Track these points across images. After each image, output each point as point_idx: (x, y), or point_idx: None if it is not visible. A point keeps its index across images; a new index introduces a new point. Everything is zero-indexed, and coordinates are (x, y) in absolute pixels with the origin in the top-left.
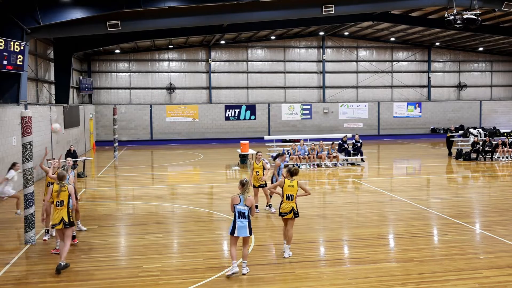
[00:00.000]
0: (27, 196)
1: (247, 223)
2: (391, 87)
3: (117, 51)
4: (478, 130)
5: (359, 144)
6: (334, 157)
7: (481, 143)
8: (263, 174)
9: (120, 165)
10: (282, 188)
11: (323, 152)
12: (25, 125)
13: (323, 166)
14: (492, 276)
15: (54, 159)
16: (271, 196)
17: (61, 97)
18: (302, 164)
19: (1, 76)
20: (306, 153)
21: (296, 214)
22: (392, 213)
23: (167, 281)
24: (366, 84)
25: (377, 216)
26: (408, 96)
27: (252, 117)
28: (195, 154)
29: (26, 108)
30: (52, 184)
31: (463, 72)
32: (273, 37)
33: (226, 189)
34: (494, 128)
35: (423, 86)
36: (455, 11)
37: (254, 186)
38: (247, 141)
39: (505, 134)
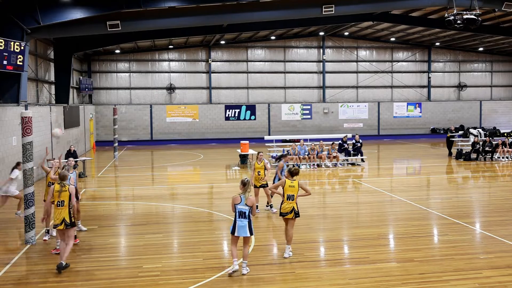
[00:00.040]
0: (27, 196)
1: (247, 222)
2: (391, 87)
3: (117, 51)
4: (478, 130)
5: (359, 144)
6: (334, 157)
7: (481, 143)
8: (264, 175)
9: (120, 165)
10: (283, 188)
11: (323, 152)
12: (25, 125)
13: (323, 166)
14: (492, 276)
15: (54, 159)
16: (272, 196)
17: (61, 97)
18: (302, 164)
19: (1, 76)
20: (306, 153)
21: (297, 214)
22: (392, 213)
23: (167, 281)
24: (366, 84)
25: (377, 216)
26: (408, 96)
27: (252, 117)
28: (195, 154)
29: (26, 108)
30: (53, 184)
31: (463, 72)
32: (273, 37)
33: (226, 189)
34: (494, 128)
35: (423, 86)
36: (455, 11)
37: (255, 186)
38: (247, 141)
39: (505, 134)
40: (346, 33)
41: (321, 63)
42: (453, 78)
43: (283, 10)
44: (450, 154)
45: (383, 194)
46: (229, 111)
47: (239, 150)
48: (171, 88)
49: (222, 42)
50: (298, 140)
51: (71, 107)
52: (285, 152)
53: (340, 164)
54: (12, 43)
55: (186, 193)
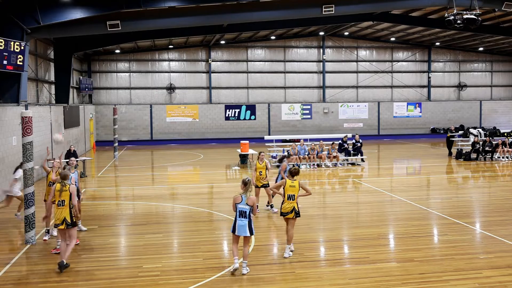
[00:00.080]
0: (27, 196)
1: (247, 222)
2: (391, 87)
3: (117, 51)
4: (478, 130)
5: (359, 144)
6: (334, 157)
7: (481, 143)
8: (266, 175)
9: (120, 165)
10: (283, 188)
11: (323, 152)
12: (26, 125)
13: (323, 166)
14: (492, 276)
15: (54, 159)
16: (273, 196)
17: (61, 97)
18: (302, 164)
19: (1, 76)
20: (306, 153)
21: (297, 214)
22: (392, 213)
23: (167, 281)
24: (366, 84)
25: (377, 216)
26: (408, 96)
27: (252, 117)
28: (195, 154)
29: (26, 108)
30: (54, 184)
31: (463, 72)
32: (273, 37)
33: (226, 189)
34: (494, 128)
35: (423, 86)
36: (455, 11)
37: (256, 186)
38: (247, 141)
39: (505, 134)
40: (346, 33)
41: (321, 63)
42: (453, 78)
43: (283, 10)
44: (450, 154)
45: (383, 194)
46: (229, 111)
47: (239, 150)
48: (171, 88)
49: (222, 42)
50: (298, 140)
51: (71, 107)
52: (286, 153)
53: (340, 164)
54: (12, 43)
55: (186, 193)
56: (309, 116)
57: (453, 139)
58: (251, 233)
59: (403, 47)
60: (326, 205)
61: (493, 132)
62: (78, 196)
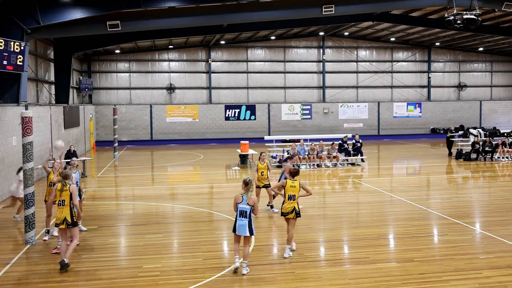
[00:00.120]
0: (27, 196)
1: (247, 222)
2: (391, 87)
3: (117, 51)
4: (478, 130)
5: (359, 144)
6: (334, 157)
7: (481, 143)
8: (267, 175)
9: (120, 165)
10: (284, 189)
11: (323, 152)
12: (26, 125)
13: (323, 166)
14: (492, 276)
15: (54, 160)
16: (274, 197)
17: (61, 97)
18: (302, 164)
19: (1, 76)
20: (306, 153)
21: (298, 214)
22: (392, 213)
23: (167, 281)
24: (366, 84)
25: (377, 216)
26: (408, 96)
27: (252, 117)
28: (195, 154)
29: (26, 108)
30: (54, 184)
31: (463, 72)
32: (273, 37)
33: (226, 189)
34: (494, 128)
35: (423, 86)
36: (455, 11)
37: (258, 187)
38: (247, 141)
39: (505, 134)
40: (346, 33)
41: (321, 63)
42: (453, 78)
43: (283, 10)
44: (450, 154)
45: (383, 194)
46: (229, 111)
47: (239, 150)
48: (171, 88)
49: (222, 42)
50: (298, 140)
51: (71, 107)
52: (288, 154)
53: (340, 164)
54: (12, 43)
55: (186, 193)
56: (309, 116)
57: (453, 139)
58: (251, 233)
59: (403, 47)
60: (326, 205)
61: (493, 132)
62: (80, 195)
